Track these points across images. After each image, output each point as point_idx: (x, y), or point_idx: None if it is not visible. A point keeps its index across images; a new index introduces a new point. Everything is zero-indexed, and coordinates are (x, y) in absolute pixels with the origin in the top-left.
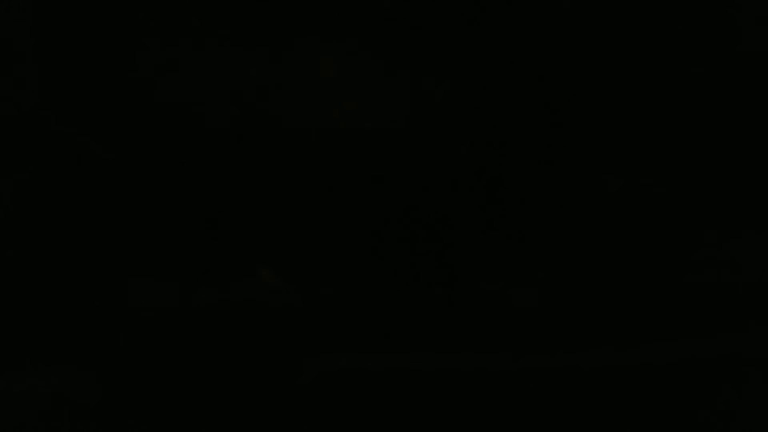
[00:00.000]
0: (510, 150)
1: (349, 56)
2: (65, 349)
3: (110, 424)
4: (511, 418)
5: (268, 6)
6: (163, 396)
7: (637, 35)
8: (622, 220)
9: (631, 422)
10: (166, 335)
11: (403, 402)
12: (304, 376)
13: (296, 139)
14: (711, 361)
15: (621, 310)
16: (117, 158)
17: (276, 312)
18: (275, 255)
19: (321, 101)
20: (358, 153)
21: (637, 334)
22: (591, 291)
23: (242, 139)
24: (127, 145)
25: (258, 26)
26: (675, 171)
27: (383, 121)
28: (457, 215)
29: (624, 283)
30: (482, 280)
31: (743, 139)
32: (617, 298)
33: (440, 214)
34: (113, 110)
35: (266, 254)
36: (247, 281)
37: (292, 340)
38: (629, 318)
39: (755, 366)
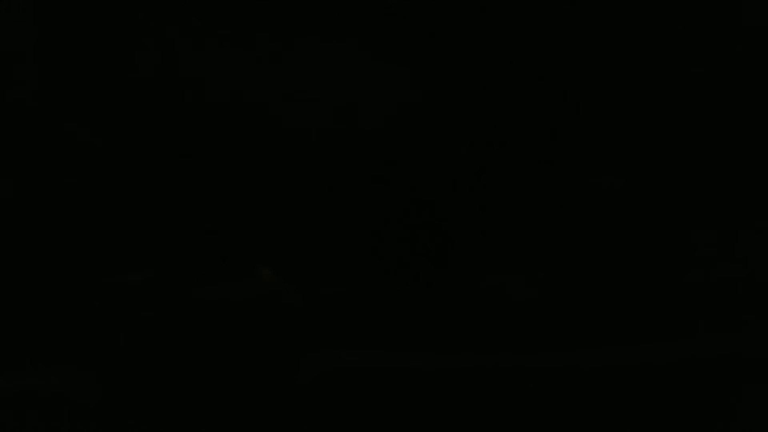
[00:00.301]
0: (510, 150)
1: (350, 56)
2: (65, 349)
3: (110, 424)
4: (511, 417)
5: (268, 6)
6: (163, 396)
7: (637, 35)
8: (622, 220)
9: (631, 422)
10: (165, 334)
11: (402, 401)
12: (303, 374)
13: (296, 139)
14: (711, 361)
15: (621, 309)
16: (117, 157)
17: (276, 312)
18: (275, 255)
19: (321, 101)
20: (358, 153)
21: (637, 334)
22: (591, 290)
23: (242, 139)
24: (128, 144)
25: (258, 26)
26: (675, 171)
27: (383, 121)
28: (457, 214)
29: (624, 282)
30: (482, 279)
31: (743, 139)
32: (617, 297)
33: (440, 213)
34: (113, 109)
35: (266, 254)
36: (247, 281)
37: (291, 339)
38: (629, 317)
39: (755, 366)
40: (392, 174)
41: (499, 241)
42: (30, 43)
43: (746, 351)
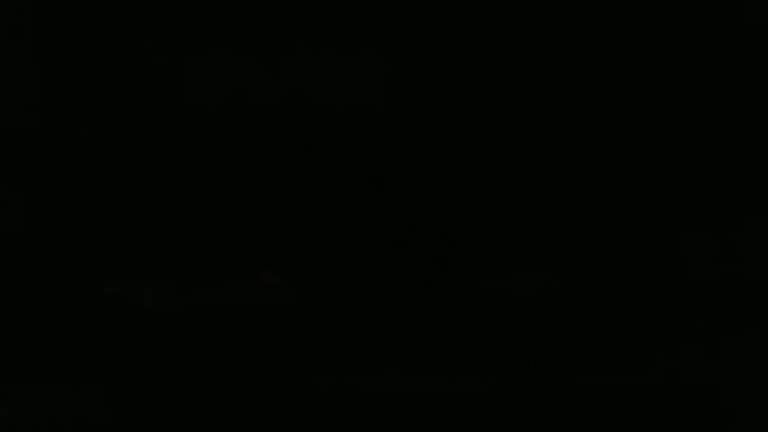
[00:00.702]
0: (510, 150)
1: (350, 57)
2: (73, 368)
3: None
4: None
5: (267, 8)
6: (168, 405)
7: (638, 36)
8: (621, 219)
9: (632, 423)
10: (167, 339)
11: (407, 420)
12: (309, 390)
13: (296, 139)
14: (711, 361)
15: (621, 308)
16: (117, 159)
17: (277, 315)
18: (275, 255)
19: (322, 102)
20: (358, 154)
21: (638, 333)
22: (592, 289)
23: (242, 139)
24: (128, 145)
25: (259, 27)
26: (675, 171)
27: (383, 122)
28: (458, 214)
29: (624, 281)
30: (481, 279)
31: (744, 139)
32: (618, 296)
33: (440, 213)
34: (114, 110)
35: (266, 254)
36: (246, 282)
37: (294, 346)
38: (629, 317)
39: (755, 366)
40: (393, 174)
41: (499, 241)
42: (30, 44)
43: (745, 351)
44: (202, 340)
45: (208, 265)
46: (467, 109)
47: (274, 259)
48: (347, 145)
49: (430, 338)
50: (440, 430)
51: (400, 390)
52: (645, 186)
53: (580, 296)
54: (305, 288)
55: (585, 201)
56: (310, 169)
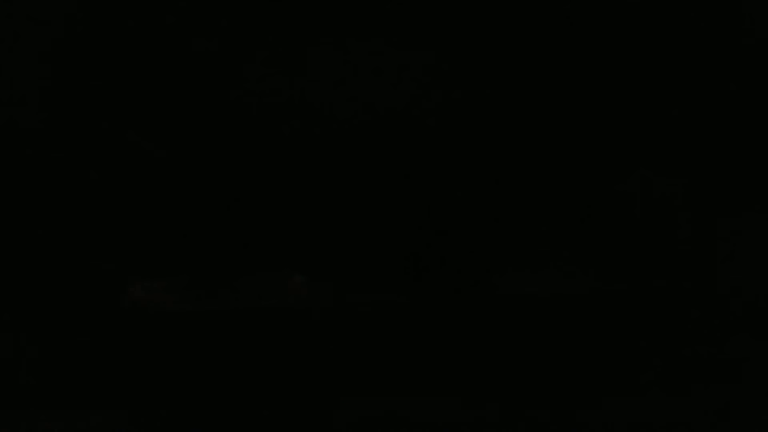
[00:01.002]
0: (519, 150)
1: (369, 59)
2: (93, 390)
3: None
4: None
5: (278, 7)
6: (178, 408)
7: (643, 37)
8: (625, 219)
9: (632, 421)
10: (185, 340)
11: None
12: (339, 419)
13: (314, 140)
14: (714, 362)
15: (627, 311)
16: (125, 161)
17: (291, 316)
18: (292, 257)
19: (330, 101)
20: (377, 154)
21: (642, 336)
22: (599, 291)
23: (258, 139)
24: (137, 147)
25: (267, 27)
26: (681, 173)
27: (391, 122)
28: (468, 217)
29: (642, 286)
30: (489, 278)
31: (746, 142)
32: (623, 297)
33: (451, 214)
34: (121, 111)
35: (284, 255)
36: (260, 281)
37: (311, 347)
38: (635, 321)
39: (757, 366)
40: (403, 175)
41: (519, 243)
42: (34, 45)
43: (749, 352)
44: (215, 341)
45: (223, 265)
46: (489, 111)
47: (291, 261)
48: (366, 146)
49: (450, 341)
50: None
51: (410, 413)
52: (649, 188)
53: (593, 300)
54: (323, 289)
55: (603, 204)
56: (327, 170)
